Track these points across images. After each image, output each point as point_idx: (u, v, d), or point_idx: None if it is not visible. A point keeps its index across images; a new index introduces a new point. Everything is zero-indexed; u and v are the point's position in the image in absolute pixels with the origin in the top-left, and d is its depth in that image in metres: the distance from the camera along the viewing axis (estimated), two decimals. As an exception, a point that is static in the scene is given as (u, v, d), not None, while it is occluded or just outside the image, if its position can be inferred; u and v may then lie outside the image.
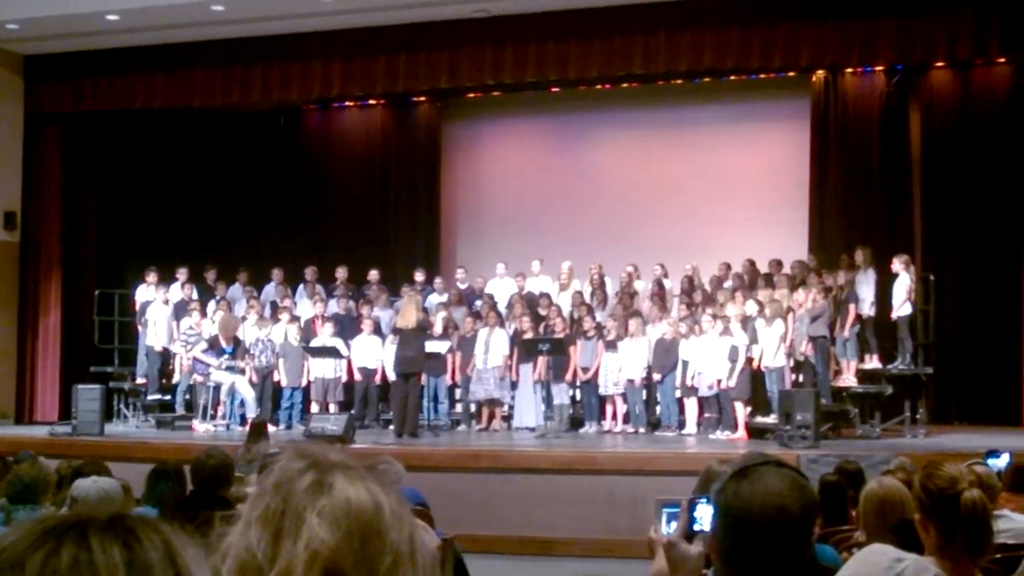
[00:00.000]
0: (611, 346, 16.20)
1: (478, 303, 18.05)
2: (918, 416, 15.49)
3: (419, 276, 18.64)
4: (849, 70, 18.21)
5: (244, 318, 17.73)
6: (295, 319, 17.71)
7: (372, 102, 21.07)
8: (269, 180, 21.34)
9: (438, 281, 18.81)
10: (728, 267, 17.52)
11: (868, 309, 15.81)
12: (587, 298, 17.48)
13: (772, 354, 15.15)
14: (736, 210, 19.07)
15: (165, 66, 18.48)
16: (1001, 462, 7.45)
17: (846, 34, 15.86)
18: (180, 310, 18.02)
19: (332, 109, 21.69)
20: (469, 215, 21.23)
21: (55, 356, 19.27)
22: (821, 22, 15.90)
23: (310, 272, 18.95)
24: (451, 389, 17.39)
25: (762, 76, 18.60)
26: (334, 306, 18.21)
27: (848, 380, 15.57)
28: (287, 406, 17.40)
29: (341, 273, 18.80)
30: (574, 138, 20.55)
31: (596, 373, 16.34)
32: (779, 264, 16.90)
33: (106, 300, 19.06)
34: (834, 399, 15.34)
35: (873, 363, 15.78)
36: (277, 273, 18.99)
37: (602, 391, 16.40)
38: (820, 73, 18.38)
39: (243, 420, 16.40)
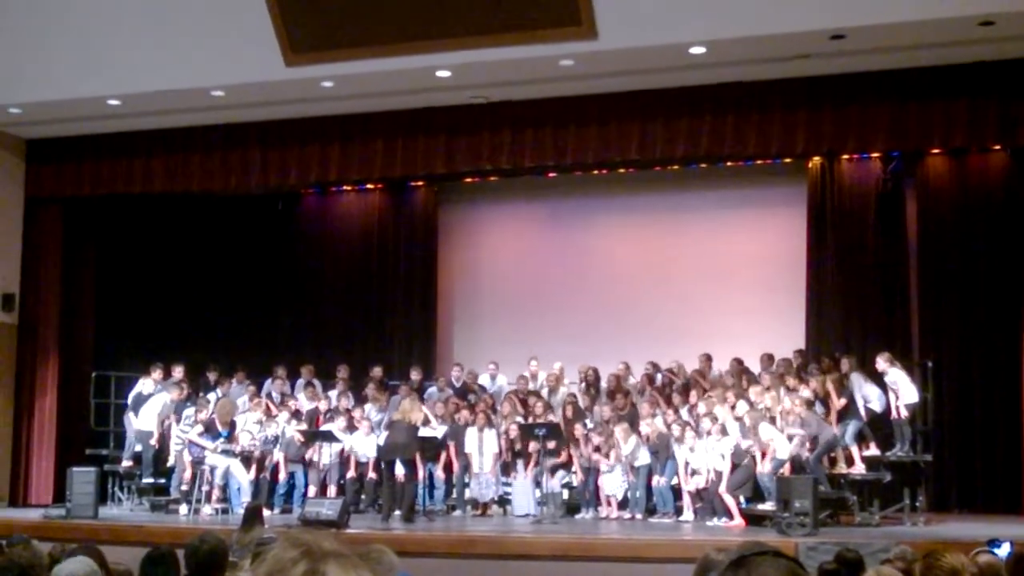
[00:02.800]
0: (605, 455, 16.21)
1: (471, 397, 17.95)
2: (918, 503, 15.38)
3: (415, 375, 18.57)
4: (845, 156, 18.27)
5: (249, 410, 17.58)
6: (296, 414, 17.67)
7: (370, 186, 21.18)
8: (266, 263, 21.43)
9: (442, 381, 18.73)
10: (708, 358, 17.45)
11: (876, 406, 15.70)
12: (579, 399, 17.44)
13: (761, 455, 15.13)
14: (732, 295, 19.08)
15: (165, 150, 18.59)
16: (1003, 551, 7.39)
17: (842, 121, 15.94)
18: (180, 406, 17.86)
19: (330, 193, 21.79)
20: (466, 298, 21.23)
21: (50, 438, 19.16)
22: (817, 109, 15.98)
23: (306, 371, 18.87)
24: (447, 474, 17.26)
25: (758, 162, 18.69)
26: (336, 401, 18.12)
27: (847, 467, 15.51)
28: (284, 491, 17.31)
29: (342, 372, 18.71)
30: (571, 223, 20.61)
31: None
32: (770, 358, 16.88)
33: (103, 382, 19.02)
34: (833, 486, 15.25)
35: (872, 450, 15.69)
36: (280, 371, 18.84)
37: (604, 491, 16.35)
38: (816, 159, 18.45)
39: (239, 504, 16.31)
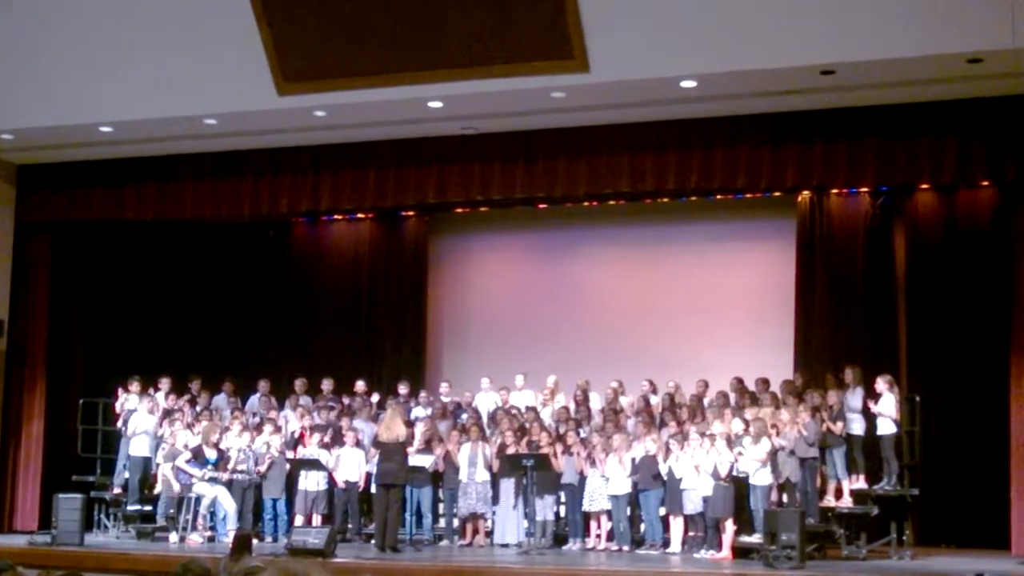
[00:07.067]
0: (594, 462, 16.13)
1: (463, 416, 17.99)
2: (904, 538, 15.39)
3: (403, 389, 18.66)
4: (834, 191, 18.33)
5: (228, 428, 17.60)
6: (278, 429, 17.64)
7: (360, 215, 21.20)
8: (257, 291, 21.45)
9: (423, 395, 18.79)
10: (706, 384, 17.49)
11: (856, 428, 15.79)
12: (571, 413, 17.45)
13: (755, 472, 15.04)
14: (722, 327, 19.13)
15: (157, 178, 18.63)
16: (987, 586, 7.41)
17: (831, 156, 16.03)
18: (165, 419, 17.93)
19: (321, 222, 21.79)
20: (455, 328, 21.25)
21: (37, 464, 19.13)
22: (807, 144, 16.07)
23: (298, 384, 18.93)
24: (435, 503, 17.23)
25: (748, 196, 18.73)
26: (318, 418, 18.10)
27: (835, 500, 15.54)
28: (270, 518, 17.26)
29: (327, 385, 18.81)
30: (561, 254, 20.66)
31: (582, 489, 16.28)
32: (765, 382, 16.89)
33: (90, 409, 18.99)
34: (820, 519, 15.26)
35: (860, 483, 15.72)
36: (263, 385, 18.97)
37: (586, 507, 16.28)
38: (806, 193, 18.48)
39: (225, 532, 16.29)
